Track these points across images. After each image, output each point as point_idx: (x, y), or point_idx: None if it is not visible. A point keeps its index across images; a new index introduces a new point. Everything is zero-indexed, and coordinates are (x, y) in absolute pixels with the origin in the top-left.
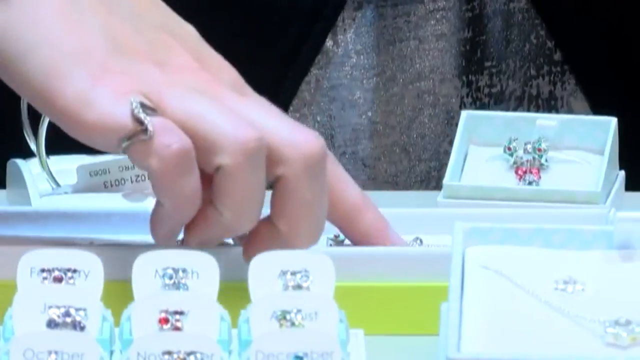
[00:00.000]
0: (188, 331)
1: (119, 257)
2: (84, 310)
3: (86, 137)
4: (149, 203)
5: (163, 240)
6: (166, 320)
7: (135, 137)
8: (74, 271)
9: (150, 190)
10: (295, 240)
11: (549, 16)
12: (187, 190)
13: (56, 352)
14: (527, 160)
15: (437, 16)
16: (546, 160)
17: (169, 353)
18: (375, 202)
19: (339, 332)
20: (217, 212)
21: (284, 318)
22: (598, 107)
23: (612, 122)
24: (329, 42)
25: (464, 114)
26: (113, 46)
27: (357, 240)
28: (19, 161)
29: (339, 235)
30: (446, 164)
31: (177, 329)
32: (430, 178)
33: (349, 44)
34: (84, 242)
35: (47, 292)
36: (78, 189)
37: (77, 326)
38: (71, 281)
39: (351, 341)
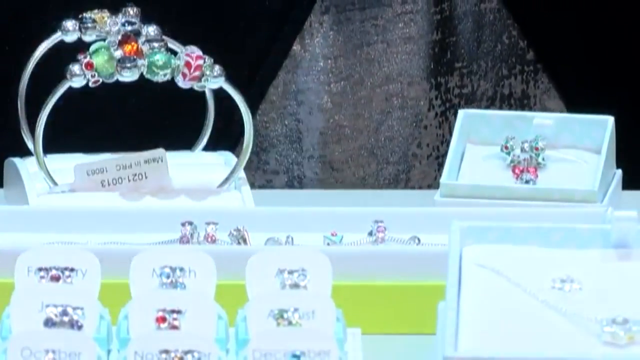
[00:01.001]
0: (185, 330)
1: (117, 256)
2: (82, 309)
3: None
4: (146, 202)
5: None
6: (163, 319)
7: None
8: (72, 270)
9: (147, 190)
10: None
11: (521, 16)
12: None
13: (53, 351)
14: (524, 159)
15: (405, 19)
16: (543, 159)
17: (167, 352)
18: (372, 201)
19: (336, 331)
20: None
21: (281, 317)
22: (572, 105)
23: (609, 121)
24: (296, 46)
25: (461, 112)
26: None
27: None
28: (16, 160)
29: (336, 234)
30: (414, 167)
31: (174, 327)
32: (398, 180)
33: (316, 48)
34: (81, 241)
35: (45, 291)
36: (75, 188)
37: (74, 325)
38: (69, 280)
39: (348, 340)
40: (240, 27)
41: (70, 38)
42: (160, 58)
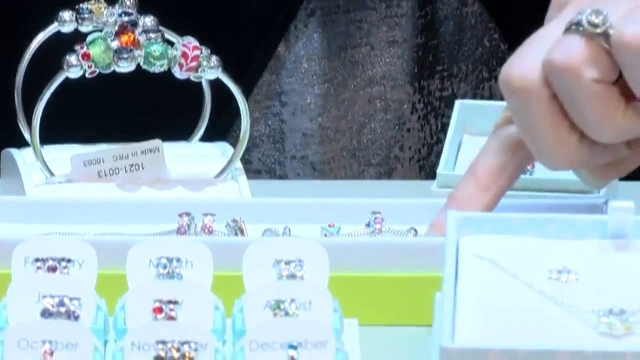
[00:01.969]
0: (182, 321)
1: (113, 246)
2: (78, 299)
3: None
4: (143, 192)
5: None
6: (160, 310)
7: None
8: (68, 261)
9: (144, 180)
10: None
11: (502, 19)
12: None
13: (50, 342)
14: None
15: (390, 23)
16: None
17: (163, 342)
18: (368, 192)
19: (333, 322)
20: None
21: (278, 307)
22: None
23: None
24: (281, 48)
25: (458, 103)
26: None
27: None
28: (13, 151)
29: (333, 225)
30: (396, 169)
31: (171, 318)
32: None
33: (300, 50)
34: (78, 231)
35: (41, 281)
36: (72, 179)
37: (71, 316)
38: (65, 271)
39: (345, 331)
40: (227, 29)
41: (67, 29)
42: (157, 49)
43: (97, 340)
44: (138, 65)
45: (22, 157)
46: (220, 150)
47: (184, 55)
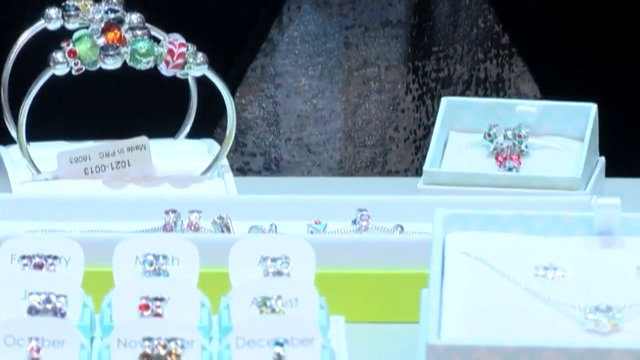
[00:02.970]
0: (168, 317)
1: (100, 243)
2: (65, 296)
3: None
4: (129, 190)
5: None
6: (146, 307)
7: None
8: (55, 258)
9: (130, 177)
10: None
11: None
12: None
13: (37, 339)
14: (507, 147)
15: (384, 3)
16: (526, 147)
17: (150, 339)
18: (355, 188)
19: (319, 319)
20: None
21: (265, 304)
22: (546, 89)
23: (593, 108)
24: (274, 30)
25: (444, 100)
26: None
27: None
28: (0, 148)
29: (319, 222)
30: (391, 150)
31: (157, 315)
32: (375, 164)
33: (294, 32)
34: (64, 228)
35: (28, 278)
36: (58, 176)
37: (57, 313)
38: (52, 268)
39: (332, 328)
40: (219, 11)
41: (54, 26)
42: (143, 46)
43: (84, 337)
44: (124, 63)
45: (9, 154)
46: (207, 148)
47: (170, 52)
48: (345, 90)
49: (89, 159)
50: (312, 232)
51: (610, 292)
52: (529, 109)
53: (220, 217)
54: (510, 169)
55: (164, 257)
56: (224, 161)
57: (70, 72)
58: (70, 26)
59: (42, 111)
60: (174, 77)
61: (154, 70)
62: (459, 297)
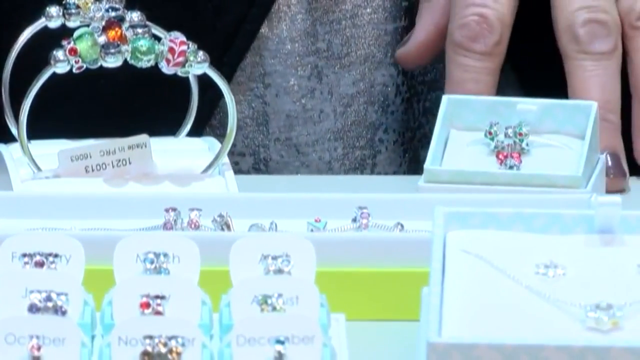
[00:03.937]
0: (169, 315)
1: (100, 241)
2: (66, 294)
3: None
4: (130, 188)
5: None
6: (147, 305)
7: None
8: (56, 256)
9: (131, 176)
10: None
11: None
12: None
13: (37, 337)
14: (508, 145)
15: (373, 5)
16: (527, 145)
17: (150, 337)
18: (355, 187)
19: (320, 317)
20: None
21: (265, 302)
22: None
23: (593, 106)
24: (264, 29)
25: (445, 98)
26: None
27: None
28: (0, 146)
29: (320, 220)
30: (380, 152)
31: (158, 313)
32: (365, 165)
33: (284, 31)
34: (65, 227)
35: (29, 276)
36: (59, 174)
37: (58, 311)
38: (52, 266)
39: (332, 326)
40: (209, 9)
41: (54, 24)
42: (144, 44)
43: (85, 336)
44: (125, 61)
45: (10, 152)
46: (207, 146)
47: (171, 50)
48: (334, 91)
49: (90, 157)
50: (312, 230)
51: (611, 290)
52: (529, 107)
53: (221, 215)
54: (511, 167)
55: (165, 255)
56: (225, 159)
57: (71, 70)
58: (71, 24)
59: (43, 109)
60: (175, 75)
61: (155, 68)
62: (459, 295)
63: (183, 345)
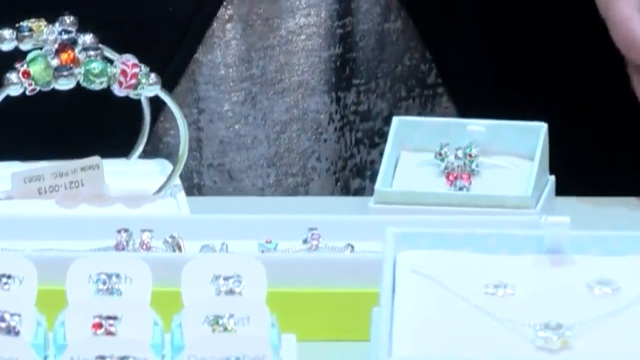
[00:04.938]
0: (121, 336)
1: (53, 262)
2: (19, 315)
3: None
4: (82, 209)
5: None
6: (99, 325)
7: None
8: (9, 277)
9: (83, 197)
10: None
11: (429, 37)
12: None
13: None
14: (458, 166)
15: (308, 32)
16: (477, 166)
17: (103, 358)
18: (306, 208)
19: (270, 337)
20: None
21: (217, 323)
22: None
23: (543, 128)
24: (198, 54)
25: (395, 119)
26: None
27: None
28: None
29: (270, 241)
30: (313, 180)
31: (110, 333)
32: (297, 192)
33: (218, 56)
34: (18, 248)
35: None
36: (12, 196)
37: (11, 331)
38: (6, 287)
39: (283, 346)
40: (144, 34)
41: (7, 47)
42: (96, 66)
43: (38, 356)
44: (78, 83)
45: None
46: (159, 168)
47: (123, 72)
48: (268, 117)
49: (43, 179)
50: (263, 251)
51: (560, 309)
52: (479, 129)
53: (172, 236)
54: (460, 188)
55: (117, 276)
56: (177, 181)
57: (24, 92)
58: (24, 47)
59: None
60: (127, 98)
61: (107, 90)
62: (409, 315)
63: None
